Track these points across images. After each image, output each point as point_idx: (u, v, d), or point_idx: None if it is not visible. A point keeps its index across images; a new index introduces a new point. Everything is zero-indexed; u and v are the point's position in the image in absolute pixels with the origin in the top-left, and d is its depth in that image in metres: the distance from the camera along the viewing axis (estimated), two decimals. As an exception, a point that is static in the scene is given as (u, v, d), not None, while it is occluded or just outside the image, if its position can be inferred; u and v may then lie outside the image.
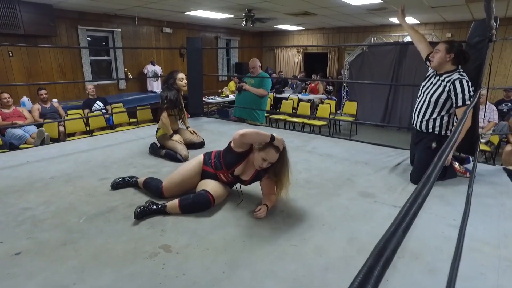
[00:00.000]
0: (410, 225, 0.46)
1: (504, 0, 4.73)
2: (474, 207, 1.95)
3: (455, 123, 2.18)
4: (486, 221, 1.81)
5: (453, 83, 2.14)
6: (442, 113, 2.25)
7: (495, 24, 1.96)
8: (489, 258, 1.47)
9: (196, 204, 1.84)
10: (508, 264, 1.42)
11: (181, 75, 3.11)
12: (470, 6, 5.28)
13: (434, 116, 2.28)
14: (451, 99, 2.17)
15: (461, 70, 2.21)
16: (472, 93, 2.11)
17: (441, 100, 2.22)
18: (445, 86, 2.19)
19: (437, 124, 2.28)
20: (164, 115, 2.97)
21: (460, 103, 2.12)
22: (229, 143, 1.96)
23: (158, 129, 3.08)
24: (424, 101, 2.31)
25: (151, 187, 2.08)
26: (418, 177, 2.31)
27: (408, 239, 1.64)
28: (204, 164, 2.03)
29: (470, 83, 2.13)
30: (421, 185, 0.54)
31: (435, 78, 2.29)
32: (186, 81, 3.15)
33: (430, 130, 2.31)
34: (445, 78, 2.21)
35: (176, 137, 2.98)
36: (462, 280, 1.33)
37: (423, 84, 2.38)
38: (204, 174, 2.03)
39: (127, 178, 2.24)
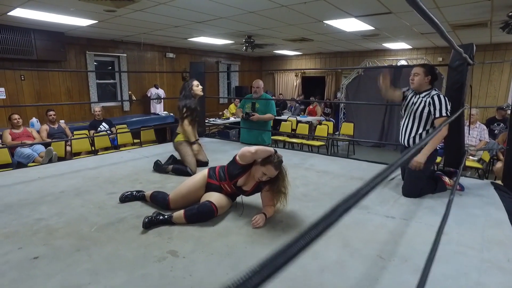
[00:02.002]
0: (355, 204, 0.57)
1: (486, 27, 5.05)
2: (462, 217, 2.08)
3: None
4: (472, 228, 1.94)
5: (432, 98, 2.40)
6: (427, 127, 2.45)
7: (462, 50, 2.18)
8: (472, 260, 1.59)
9: (200, 214, 1.97)
10: (489, 265, 1.54)
11: (196, 82, 3.30)
12: (456, 32, 5.61)
13: (420, 131, 2.47)
14: (433, 111, 2.39)
15: (435, 89, 2.48)
16: (449, 107, 2.35)
17: (424, 114, 2.44)
18: (425, 101, 2.44)
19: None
20: (186, 123, 3.12)
21: (437, 114, 2.36)
22: (234, 157, 2.13)
23: (177, 133, 3.23)
24: (409, 119, 2.52)
25: (158, 199, 2.22)
26: (409, 190, 2.45)
27: (399, 244, 1.76)
28: (209, 177, 2.18)
29: (447, 99, 2.37)
30: (376, 175, 0.66)
31: (415, 97, 2.53)
32: (201, 87, 3.33)
33: (409, 144, 2.50)
34: (425, 95, 2.46)
35: (196, 147, 3.13)
36: (447, 279, 1.45)
37: (404, 105, 2.61)
38: (208, 187, 2.17)
39: (134, 192, 2.37)
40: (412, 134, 2.51)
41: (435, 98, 2.37)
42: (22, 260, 1.57)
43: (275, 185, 2.01)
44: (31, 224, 1.98)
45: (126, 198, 2.32)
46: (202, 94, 3.34)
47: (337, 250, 1.71)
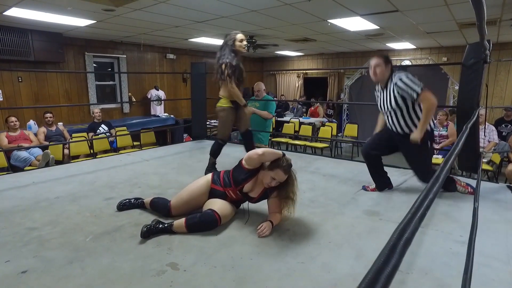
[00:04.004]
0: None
1: (495, 25, 4.92)
2: (480, 224, 1.94)
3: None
4: (493, 237, 1.81)
5: (396, 85, 2.27)
6: (411, 112, 2.33)
7: (488, 44, 2.04)
8: (500, 274, 1.46)
9: (202, 223, 1.84)
10: (519, 280, 1.41)
11: (240, 35, 2.77)
12: (463, 31, 5.49)
13: (407, 119, 2.34)
14: (409, 96, 2.25)
15: (393, 73, 2.37)
16: (414, 78, 2.24)
17: (401, 103, 2.30)
18: (394, 92, 2.31)
19: (415, 122, 2.33)
20: (232, 84, 2.74)
21: (415, 94, 2.20)
22: (240, 161, 2.01)
23: (220, 98, 2.92)
24: (391, 113, 2.40)
25: (159, 205, 2.09)
26: (423, 174, 2.38)
27: (416, 255, 1.63)
28: (213, 183, 2.06)
29: (407, 74, 2.27)
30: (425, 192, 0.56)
31: (384, 92, 2.43)
32: (246, 43, 2.81)
33: (412, 130, 2.36)
34: (390, 85, 2.34)
35: (248, 109, 2.79)
36: (474, 296, 1.31)
37: (380, 105, 2.53)
38: (212, 193, 2.05)
39: (132, 200, 2.24)
40: (402, 123, 2.37)
41: (399, 83, 2.25)
42: (8, 275, 1.45)
43: (283, 191, 1.89)
44: (22, 233, 1.86)
45: (123, 206, 2.20)
46: (245, 51, 2.86)
47: (350, 262, 1.58)
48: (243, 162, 1.96)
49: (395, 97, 2.31)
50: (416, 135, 2.26)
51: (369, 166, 2.61)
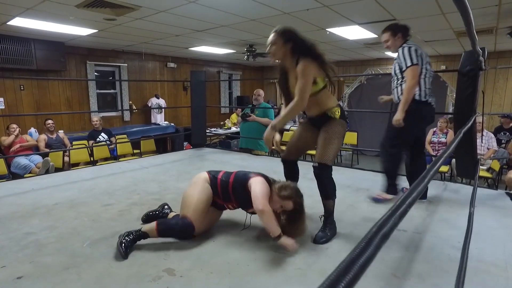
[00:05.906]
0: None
1: (492, 34, 4.98)
2: (479, 230, 1.94)
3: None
4: (492, 243, 1.80)
5: (398, 53, 2.34)
6: (403, 82, 2.33)
7: (480, 51, 2.06)
8: (497, 279, 1.45)
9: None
10: (517, 285, 1.40)
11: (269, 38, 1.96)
12: (460, 40, 5.54)
13: (399, 90, 2.38)
14: (401, 67, 2.30)
15: (407, 42, 2.36)
16: (415, 56, 2.22)
17: (397, 71, 2.35)
18: (396, 59, 2.37)
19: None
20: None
21: (403, 67, 2.26)
22: (245, 184, 1.82)
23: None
24: (393, 80, 2.45)
25: (174, 227, 1.80)
26: (385, 146, 2.42)
27: (414, 261, 1.62)
28: (214, 194, 1.90)
29: (413, 48, 2.24)
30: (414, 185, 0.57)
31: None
32: (269, 48, 1.97)
33: (398, 100, 2.39)
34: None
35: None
36: (471, 302, 1.31)
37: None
38: (213, 204, 1.92)
39: (132, 234, 1.75)
40: (395, 92, 2.43)
41: (399, 52, 2.31)
42: (4, 281, 1.44)
43: (292, 226, 1.80)
44: (19, 239, 1.86)
45: (123, 247, 1.68)
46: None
47: (347, 268, 1.57)
48: (251, 191, 1.77)
49: (395, 64, 2.39)
50: (396, 116, 2.26)
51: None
